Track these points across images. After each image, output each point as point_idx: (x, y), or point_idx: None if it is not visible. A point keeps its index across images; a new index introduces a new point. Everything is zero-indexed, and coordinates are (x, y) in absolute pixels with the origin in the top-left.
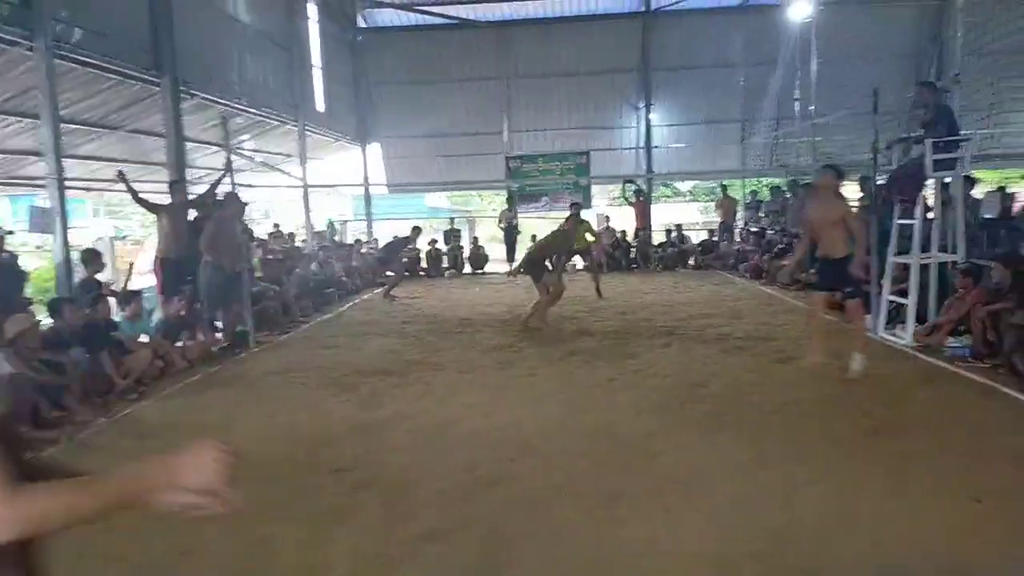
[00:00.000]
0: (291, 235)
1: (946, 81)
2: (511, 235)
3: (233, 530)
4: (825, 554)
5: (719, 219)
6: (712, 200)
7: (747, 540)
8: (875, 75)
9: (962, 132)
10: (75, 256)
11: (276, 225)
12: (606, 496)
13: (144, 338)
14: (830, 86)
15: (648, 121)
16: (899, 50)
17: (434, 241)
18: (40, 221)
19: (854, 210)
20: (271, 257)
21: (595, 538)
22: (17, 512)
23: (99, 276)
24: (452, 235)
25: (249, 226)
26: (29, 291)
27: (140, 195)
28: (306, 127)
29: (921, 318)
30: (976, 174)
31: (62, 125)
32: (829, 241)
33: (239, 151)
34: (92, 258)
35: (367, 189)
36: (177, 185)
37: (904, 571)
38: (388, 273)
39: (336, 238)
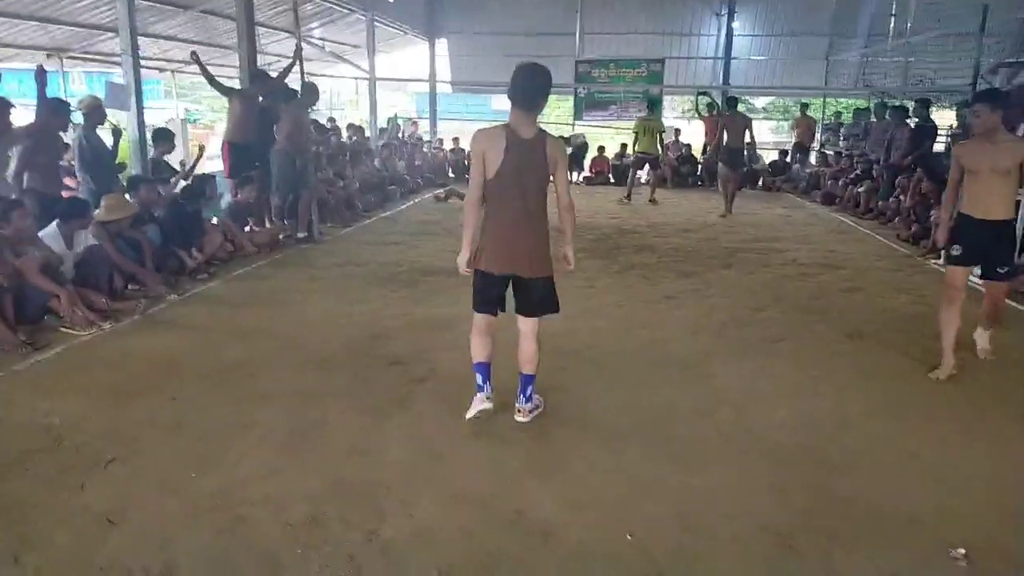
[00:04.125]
0: (360, 128)
1: None
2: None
3: (294, 409)
4: (881, 488)
5: (794, 139)
6: (787, 119)
7: (800, 469)
8: None
9: None
10: (149, 135)
11: (331, 119)
12: (658, 412)
13: (214, 221)
14: (931, 2)
15: (730, 29)
16: None
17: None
18: (117, 96)
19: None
20: (338, 150)
21: (645, 454)
22: (571, 204)
23: (168, 158)
24: None
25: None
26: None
27: (215, 78)
28: (375, 18)
29: None
30: None
31: (135, 1)
32: (988, 196)
33: (308, 39)
34: (162, 137)
35: (433, 86)
36: (259, 75)
37: (960, 512)
38: None
39: (400, 135)
